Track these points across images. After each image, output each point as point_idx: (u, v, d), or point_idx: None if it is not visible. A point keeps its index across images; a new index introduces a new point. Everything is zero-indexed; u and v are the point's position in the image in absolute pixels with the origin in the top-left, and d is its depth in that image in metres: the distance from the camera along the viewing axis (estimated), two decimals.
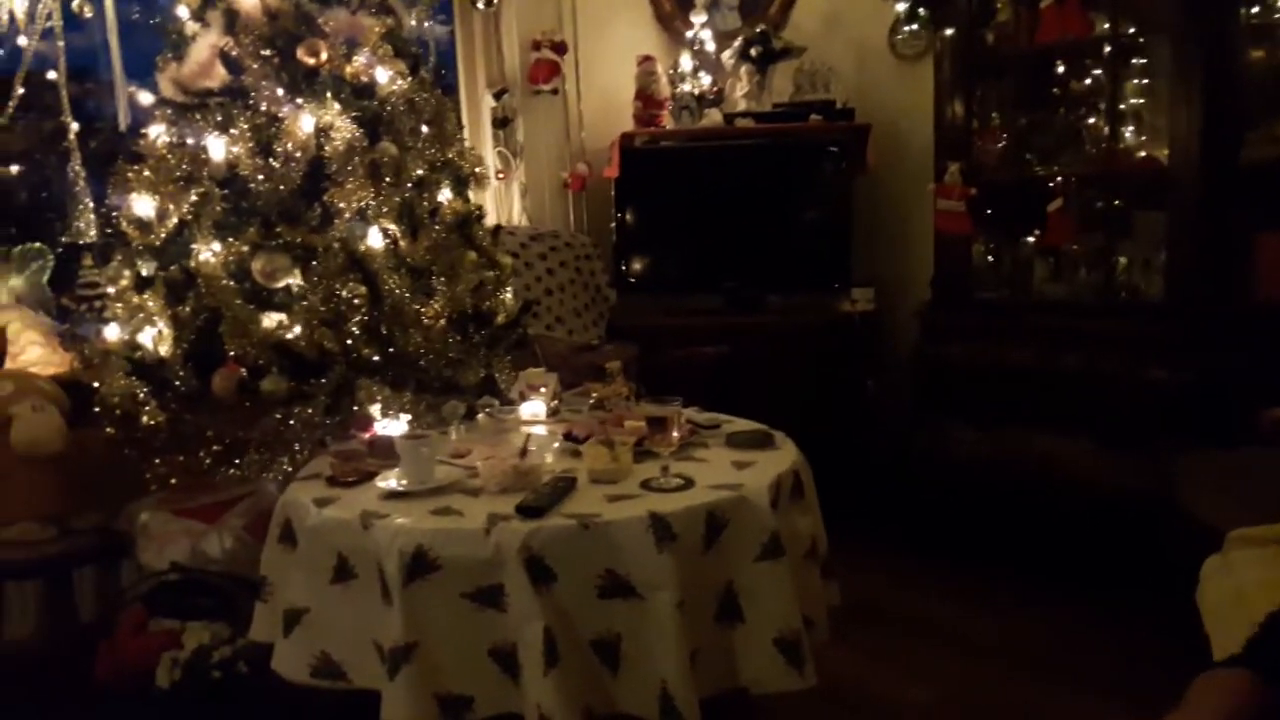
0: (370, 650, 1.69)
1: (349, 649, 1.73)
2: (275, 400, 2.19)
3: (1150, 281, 3.09)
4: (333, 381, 2.18)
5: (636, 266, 3.94)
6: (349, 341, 2.23)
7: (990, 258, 3.55)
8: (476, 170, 2.65)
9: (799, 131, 3.86)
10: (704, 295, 3.91)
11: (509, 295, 2.70)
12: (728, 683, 1.68)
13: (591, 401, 2.42)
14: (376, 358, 2.24)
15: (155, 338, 2.33)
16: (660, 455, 1.81)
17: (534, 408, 2.36)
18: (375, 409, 2.14)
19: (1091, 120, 3.29)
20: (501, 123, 3.84)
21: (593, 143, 4.11)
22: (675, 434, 1.80)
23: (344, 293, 2.22)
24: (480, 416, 2.26)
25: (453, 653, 1.61)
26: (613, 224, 3.94)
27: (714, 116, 3.96)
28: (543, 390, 2.39)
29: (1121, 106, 3.19)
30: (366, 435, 2.03)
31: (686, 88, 4.00)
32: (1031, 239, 3.40)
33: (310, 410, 2.18)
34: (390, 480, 1.83)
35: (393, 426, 2.04)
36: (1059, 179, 3.27)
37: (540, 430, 2.24)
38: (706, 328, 3.72)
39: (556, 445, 2.09)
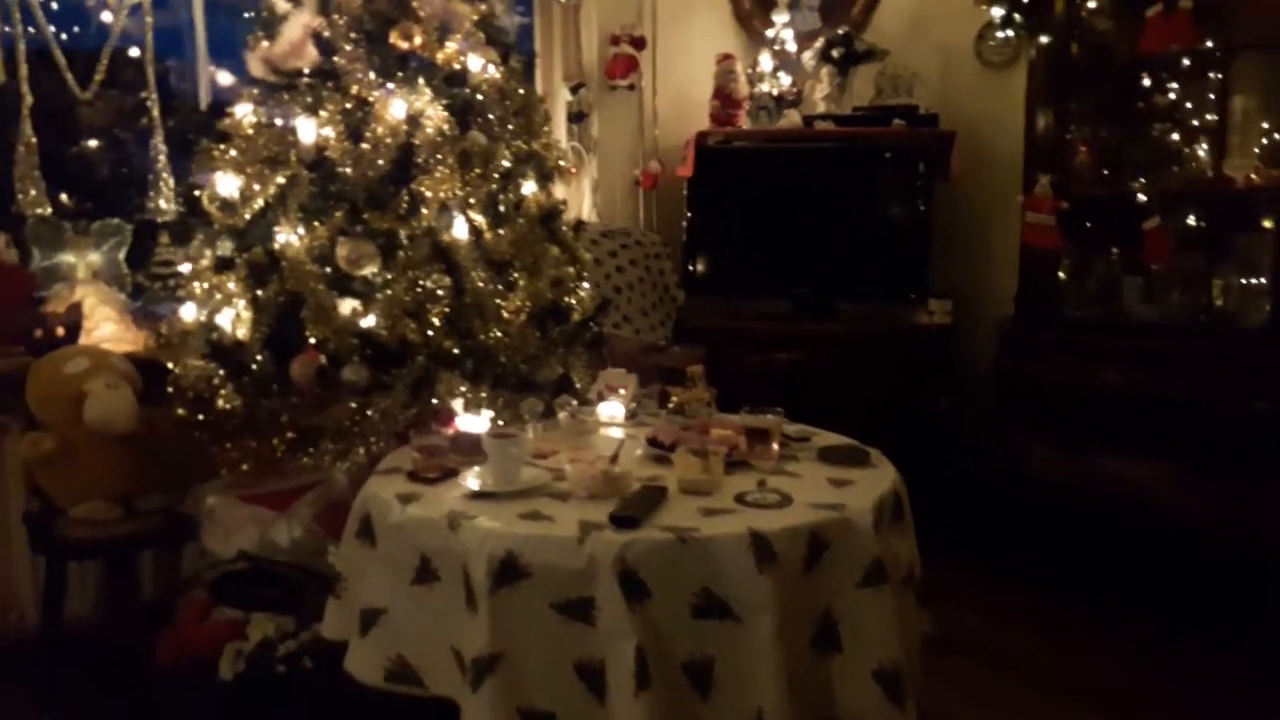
0: (449, 657, 1.62)
1: (427, 654, 1.67)
2: (354, 389, 2.14)
3: (1251, 305, 2.95)
4: (413, 373, 2.12)
5: (705, 268, 3.86)
6: (430, 333, 2.17)
7: (1076, 275, 3.42)
8: (560, 164, 2.58)
9: (880, 136, 3.75)
10: (773, 300, 3.83)
11: (586, 291, 2.63)
12: (823, 713, 1.59)
13: (671, 406, 2.34)
14: (456, 350, 2.18)
15: (233, 320, 2.29)
16: (758, 468, 1.73)
17: (612, 409, 2.29)
18: (455, 403, 2.08)
19: (1182, 136, 3.15)
20: (576, 117, 3.77)
21: (666, 140, 4.03)
22: (776, 447, 1.71)
23: (427, 283, 2.16)
24: (561, 416, 2.19)
25: (538, 666, 1.54)
26: (683, 223, 3.87)
27: (792, 118, 3.86)
28: (622, 392, 2.32)
29: (1225, 121, 3.05)
30: (449, 430, 1.97)
31: (765, 88, 3.91)
32: (1114, 255, 3.27)
33: (389, 401, 2.13)
34: (473, 479, 1.77)
35: (474, 422, 1.98)
36: (1154, 196, 3.13)
37: (619, 433, 2.17)
38: (775, 333, 3.65)
39: (639, 451, 2.01)
